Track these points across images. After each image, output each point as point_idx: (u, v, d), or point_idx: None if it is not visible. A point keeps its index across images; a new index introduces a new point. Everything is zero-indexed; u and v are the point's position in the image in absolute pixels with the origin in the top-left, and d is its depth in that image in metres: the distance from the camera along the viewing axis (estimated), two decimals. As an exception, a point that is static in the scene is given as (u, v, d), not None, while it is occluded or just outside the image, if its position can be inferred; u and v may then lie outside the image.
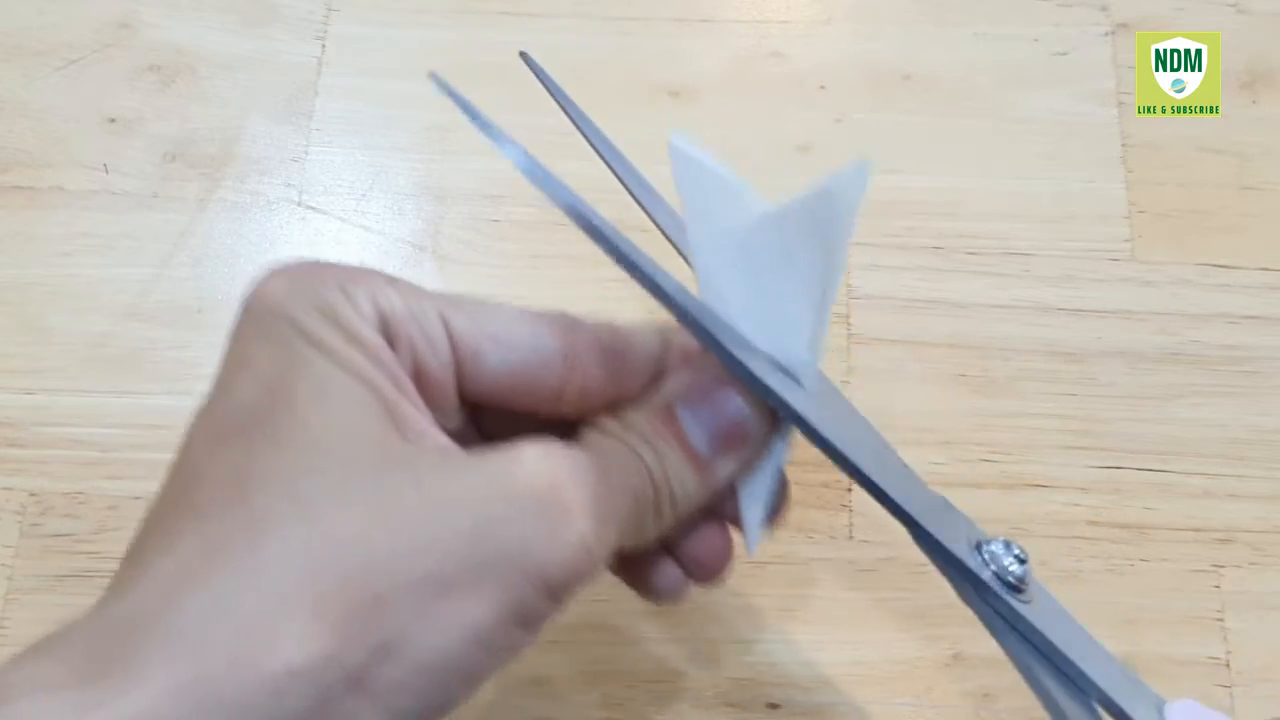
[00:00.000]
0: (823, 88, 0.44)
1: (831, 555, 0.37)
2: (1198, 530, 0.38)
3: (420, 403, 0.23)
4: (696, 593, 0.28)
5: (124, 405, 0.39)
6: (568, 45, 0.44)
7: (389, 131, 0.43)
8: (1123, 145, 0.43)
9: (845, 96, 0.44)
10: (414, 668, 0.20)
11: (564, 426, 0.25)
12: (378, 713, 0.20)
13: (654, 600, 0.28)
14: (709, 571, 0.27)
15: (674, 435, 0.24)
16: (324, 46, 0.45)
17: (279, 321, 0.22)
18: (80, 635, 0.19)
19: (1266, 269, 0.41)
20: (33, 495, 0.38)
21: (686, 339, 0.26)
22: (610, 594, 0.28)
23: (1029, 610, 0.25)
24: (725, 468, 0.25)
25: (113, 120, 0.43)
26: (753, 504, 0.26)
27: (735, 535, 0.27)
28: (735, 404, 0.25)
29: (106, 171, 0.42)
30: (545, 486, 0.21)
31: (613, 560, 0.25)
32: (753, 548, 0.27)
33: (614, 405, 0.25)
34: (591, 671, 0.36)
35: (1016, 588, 0.26)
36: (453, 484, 0.21)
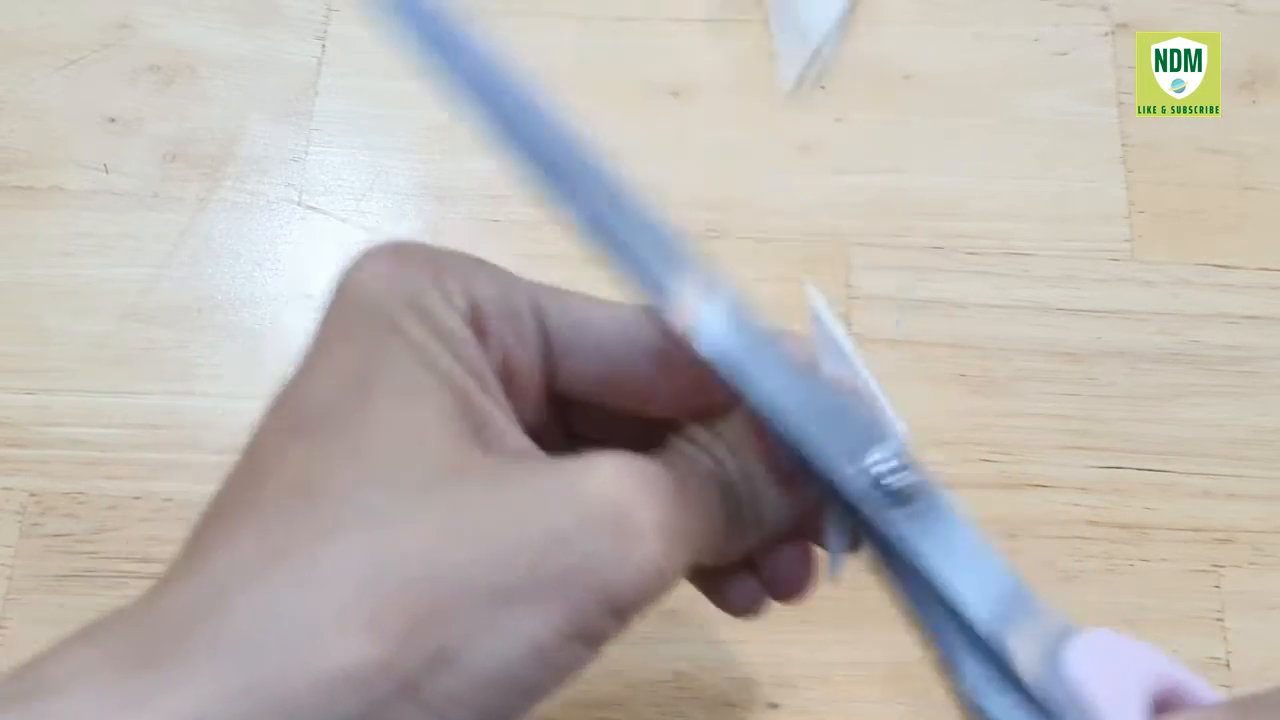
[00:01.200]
0: (823, 88, 0.44)
1: (831, 555, 0.37)
2: (1198, 530, 0.38)
3: (503, 400, 0.22)
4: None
5: (124, 405, 0.39)
6: (567, 45, 0.44)
7: (389, 131, 0.43)
8: (1123, 145, 0.43)
9: (845, 96, 0.44)
10: (470, 679, 0.19)
11: (655, 426, 0.24)
12: None
13: (728, 612, 0.26)
14: (790, 591, 0.26)
15: (763, 450, 0.23)
16: (324, 46, 0.44)
17: (365, 311, 0.21)
18: (129, 625, 0.19)
19: (1266, 269, 0.41)
20: (33, 495, 0.38)
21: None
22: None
23: (904, 523, 0.21)
24: (816, 487, 0.23)
25: (113, 120, 0.43)
26: (840, 525, 0.24)
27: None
28: None
29: (106, 171, 0.42)
30: (617, 504, 0.20)
31: (690, 570, 0.23)
32: (835, 570, 0.24)
33: (709, 410, 0.24)
34: (592, 672, 0.36)
35: (897, 498, 0.21)
36: (525, 495, 0.20)
